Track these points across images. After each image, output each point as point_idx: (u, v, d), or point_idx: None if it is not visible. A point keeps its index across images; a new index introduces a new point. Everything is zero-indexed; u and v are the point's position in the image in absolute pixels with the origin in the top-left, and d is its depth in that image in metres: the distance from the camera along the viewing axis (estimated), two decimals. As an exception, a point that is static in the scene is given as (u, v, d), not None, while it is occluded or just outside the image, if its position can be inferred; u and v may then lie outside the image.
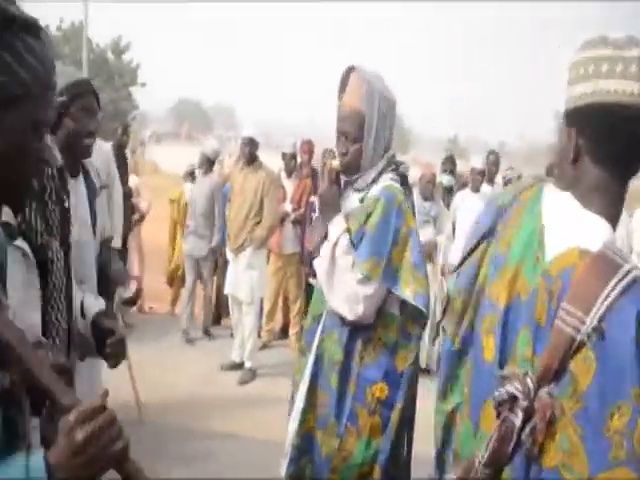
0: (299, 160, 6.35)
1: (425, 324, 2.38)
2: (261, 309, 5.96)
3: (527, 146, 71.23)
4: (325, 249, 2.29)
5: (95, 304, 1.79)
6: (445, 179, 6.25)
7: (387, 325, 2.29)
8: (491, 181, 6.50)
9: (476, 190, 5.95)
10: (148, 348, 5.95)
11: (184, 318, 6.42)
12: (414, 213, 2.40)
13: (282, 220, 6.00)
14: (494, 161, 6.60)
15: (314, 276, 5.78)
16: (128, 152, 7.06)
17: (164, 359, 5.79)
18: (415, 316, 2.30)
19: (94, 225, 2.40)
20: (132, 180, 7.15)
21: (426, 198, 5.68)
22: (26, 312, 1.26)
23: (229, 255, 5.61)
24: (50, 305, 1.34)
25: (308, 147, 6.55)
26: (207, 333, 6.58)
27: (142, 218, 6.83)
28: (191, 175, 7.35)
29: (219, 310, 7.02)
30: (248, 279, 5.39)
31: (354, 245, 2.27)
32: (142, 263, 7.36)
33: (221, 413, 4.77)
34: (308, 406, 2.36)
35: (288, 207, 6.13)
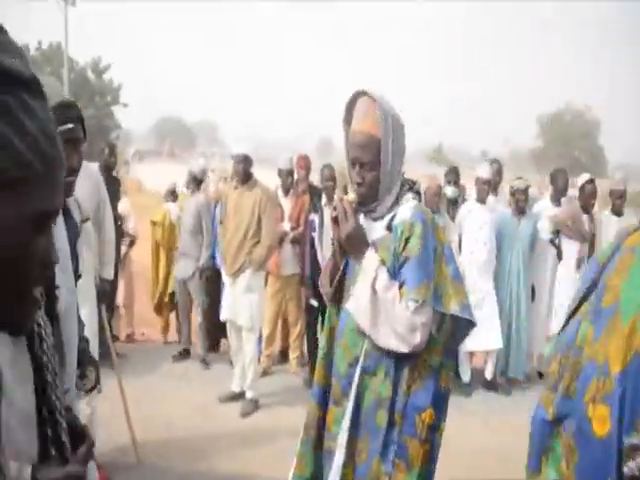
0: (295, 177, 6.08)
1: (467, 333, 2.27)
2: (259, 334, 5.65)
3: (510, 152, 71.61)
4: (362, 287, 2.13)
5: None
6: (449, 191, 6.00)
7: (432, 346, 2.15)
8: (495, 191, 6.27)
9: (482, 201, 5.70)
10: (142, 380, 5.67)
11: (183, 340, 6.34)
12: None
13: (280, 240, 5.72)
14: (497, 170, 6.37)
15: (315, 297, 5.55)
16: (115, 172, 6.75)
17: (159, 391, 5.49)
18: (455, 331, 2.20)
19: (76, 272, 2.04)
20: (123, 203, 6.86)
21: (432, 211, 5.42)
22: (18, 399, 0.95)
23: (225, 279, 5.31)
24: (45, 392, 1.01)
25: (305, 162, 6.27)
26: (203, 362, 6.25)
27: (132, 243, 6.52)
28: (172, 194, 7.07)
29: (216, 335, 6.69)
30: (248, 303, 5.10)
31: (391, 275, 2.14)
32: (131, 290, 7.04)
33: (224, 450, 4.46)
34: (347, 459, 2.19)
35: (286, 226, 5.85)
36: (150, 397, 5.32)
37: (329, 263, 2.38)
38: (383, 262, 2.11)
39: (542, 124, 65.54)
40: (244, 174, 5.10)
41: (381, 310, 2.06)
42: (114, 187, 6.10)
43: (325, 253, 5.60)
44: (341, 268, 2.30)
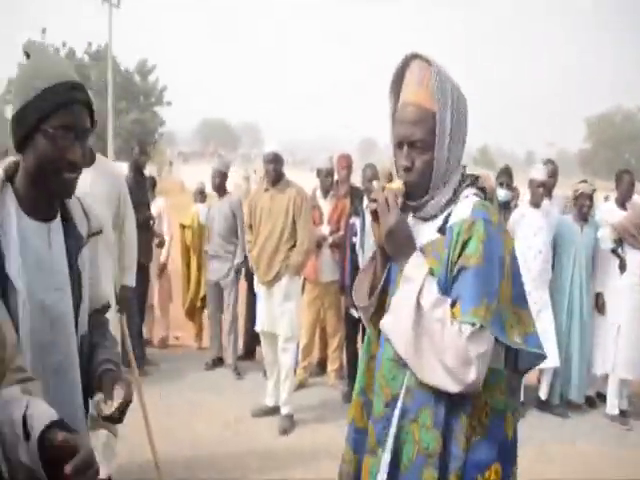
0: (336, 177, 5.70)
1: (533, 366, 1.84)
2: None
3: (557, 155, 69.91)
4: (402, 301, 1.67)
5: (46, 412, 1.20)
6: (502, 193, 5.54)
7: (494, 385, 1.69)
8: (549, 194, 5.78)
9: (537, 205, 5.23)
10: (169, 390, 5.40)
11: (213, 349, 6.05)
12: None
13: (319, 244, 5.36)
14: (553, 171, 5.89)
15: (355, 307, 5.16)
16: (154, 172, 6.53)
17: (187, 403, 5.19)
18: (520, 365, 1.78)
19: (76, 289, 1.66)
20: (158, 203, 6.61)
21: None
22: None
23: (258, 288, 4.97)
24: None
25: (346, 162, 5.90)
26: (235, 371, 5.92)
27: (162, 244, 6.23)
28: (201, 194, 6.82)
29: (252, 342, 6.36)
30: (287, 311, 4.75)
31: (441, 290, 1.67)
32: (166, 292, 6.78)
33: (255, 471, 4.11)
34: None
35: (325, 230, 5.48)
36: (177, 409, 5.03)
37: (367, 269, 1.91)
38: (432, 272, 1.66)
39: (590, 126, 63.91)
40: (275, 174, 4.75)
41: (426, 333, 1.60)
42: (145, 187, 5.85)
43: (365, 259, 5.21)
44: (383, 277, 1.83)
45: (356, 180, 6.02)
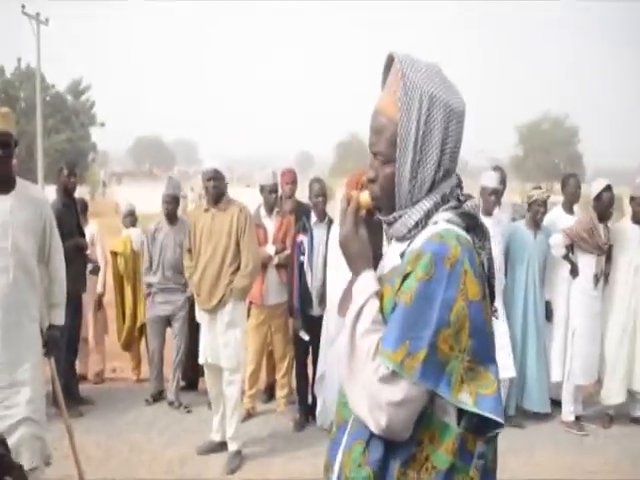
0: (280, 193, 5.42)
1: (496, 436, 1.52)
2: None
3: (487, 162, 71.67)
4: (346, 322, 1.50)
5: None
6: None
7: (439, 440, 1.44)
8: (499, 202, 5.65)
9: (489, 213, 5.08)
10: (107, 431, 4.99)
11: (154, 381, 5.62)
12: (487, 274, 1.54)
13: (264, 265, 5.04)
14: (503, 178, 5.79)
15: (305, 329, 4.87)
16: (87, 194, 6.07)
17: (126, 444, 4.77)
18: (480, 427, 1.46)
19: None
20: (90, 228, 6.16)
21: None
22: None
23: (200, 316, 4.61)
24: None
25: (290, 177, 5.61)
26: (179, 405, 5.51)
27: (96, 270, 5.78)
28: (131, 216, 6.30)
29: (194, 373, 5.98)
30: (232, 340, 4.41)
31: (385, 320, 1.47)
32: (101, 324, 6.31)
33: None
34: None
35: (270, 249, 5.16)
36: (116, 453, 4.62)
37: (353, 280, 1.67)
38: (381, 296, 1.49)
39: (521, 132, 65.77)
40: (216, 192, 4.42)
41: (356, 361, 1.45)
42: (75, 211, 5.41)
43: (315, 279, 4.94)
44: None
45: (298, 196, 5.77)
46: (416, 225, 1.51)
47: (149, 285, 5.56)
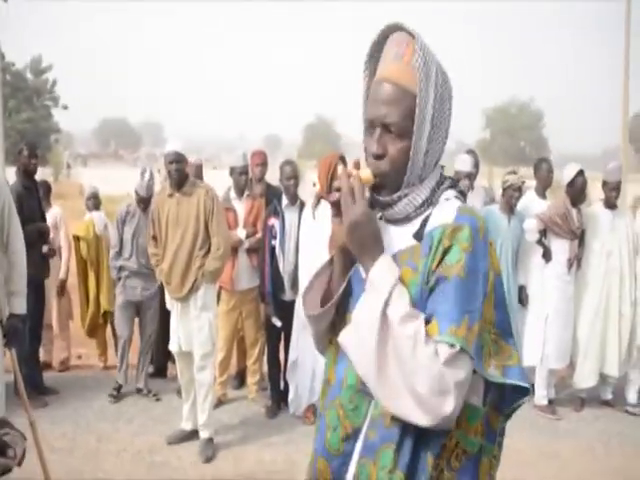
0: (250, 175, 5.27)
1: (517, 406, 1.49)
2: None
3: (455, 145, 72.32)
4: (366, 311, 1.35)
5: None
6: None
7: (467, 424, 1.39)
8: (472, 186, 5.61)
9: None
10: (72, 422, 4.83)
11: (119, 373, 5.37)
12: None
13: (235, 250, 4.90)
14: (476, 162, 5.75)
15: (278, 315, 4.76)
16: (50, 176, 5.81)
17: (93, 435, 4.62)
18: (500, 403, 1.46)
19: None
20: (54, 211, 5.93)
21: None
22: None
23: (171, 304, 4.47)
24: None
25: (261, 158, 5.46)
26: (149, 393, 5.37)
27: (52, 253, 5.47)
28: (95, 199, 6.04)
29: (162, 358, 5.84)
30: (205, 325, 4.29)
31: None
32: (65, 310, 6.10)
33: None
34: None
35: (241, 233, 5.02)
36: (83, 444, 4.48)
37: (320, 274, 1.57)
38: (403, 282, 1.36)
39: (488, 116, 66.33)
40: (178, 175, 4.27)
41: (394, 352, 1.30)
42: (36, 194, 5.20)
43: (287, 263, 4.82)
44: (342, 286, 1.49)
45: (269, 179, 5.63)
46: (423, 204, 1.44)
47: (120, 269, 5.34)
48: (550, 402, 5.20)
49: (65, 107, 39.07)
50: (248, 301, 5.16)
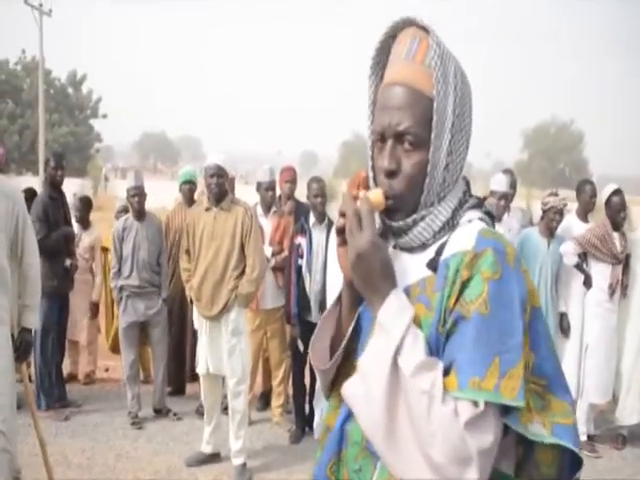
0: (279, 192, 5.16)
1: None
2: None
3: (493, 165, 71.43)
4: (373, 360, 1.12)
5: None
6: None
7: None
8: (509, 207, 5.39)
9: (499, 219, 4.87)
10: (91, 438, 4.73)
11: (132, 401, 5.14)
12: None
13: (260, 268, 4.78)
14: (513, 182, 5.54)
15: (304, 338, 4.60)
16: (89, 189, 5.82)
17: (111, 453, 4.51)
18: (558, 471, 1.18)
19: None
20: (94, 233, 5.93)
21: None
22: None
23: (200, 324, 4.32)
24: None
25: (290, 175, 5.33)
26: (162, 412, 5.24)
27: (75, 268, 5.36)
28: (125, 211, 5.85)
29: (180, 377, 5.73)
30: (237, 349, 4.15)
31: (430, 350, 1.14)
32: (95, 327, 6.04)
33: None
34: None
35: (267, 251, 4.89)
36: (101, 461, 4.38)
37: (328, 317, 1.34)
38: (418, 323, 1.14)
39: (526, 137, 65.59)
40: (219, 190, 4.14)
41: (406, 411, 1.07)
42: (61, 205, 5.17)
43: (314, 283, 4.67)
44: (350, 327, 1.27)
45: (299, 196, 5.51)
46: (443, 228, 1.21)
47: (120, 289, 5.08)
48: (589, 438, 4.91)
49: (105, 116, 39.71)
50: (273, 321, 5.01)
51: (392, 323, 1.11)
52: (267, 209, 5.02)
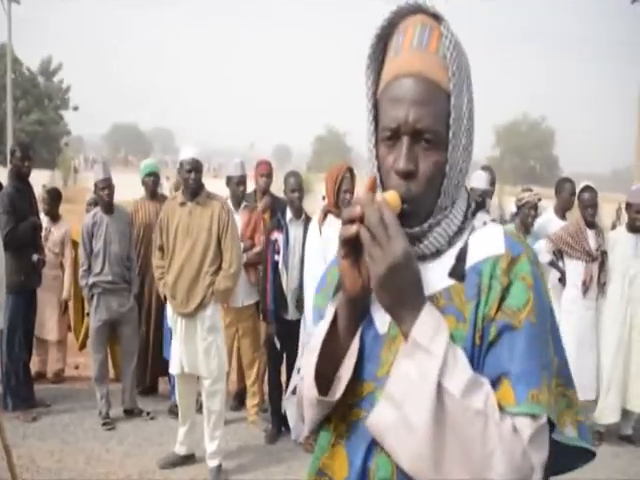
0: (254, 186, 5.06)
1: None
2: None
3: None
4: (411, 383, 0.99)
5: None
6: None
7: None
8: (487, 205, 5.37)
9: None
10: (63, 441, 4.57)
11: (101, 401, 4.98)
12: None
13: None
14: (492, 179, 5.51)
15: (281, 336, 4.51)
16: (59, 180, 5.64)
17: (84, 455, 4.38)
18: (555, 466, 1.10)
19: None
20: (62, 227, 5.75)
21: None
22: None
23: (173, 322, 4.20)
24: None
25: (266, 169, 5.23)
26: (133, 412, 5.10)
27: (43, 263, 5.16)
28: (95, 204, 5.65)
29: (153, 374, 5.60)
30: (213, 347, 4.06)
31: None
32: (65, 324, 5.86)
33: None
34: None
35: (238, 247, 4.79)
36: (71, 465, 4.23)
37: (322, 337, 1.14)
38: (450, 336, 1.02)
39: (498, 134, 66.28)
40: (196, 185, 4.04)
41: (456, 434, 0.95)
42: (29, 197, 5.00)
43: (291, 280, 4.58)
44: (355, 350, 1.12)
45: (273, 190, 5.42)
46: (457, 233, 1.13)
47: (92, 286, 4.90)
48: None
49: (76, 108, 39.11)
50: (245, 319, 4.91)
51: (430, 340, 0.99)
52: (237, 204, 4.90)
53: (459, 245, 1.12)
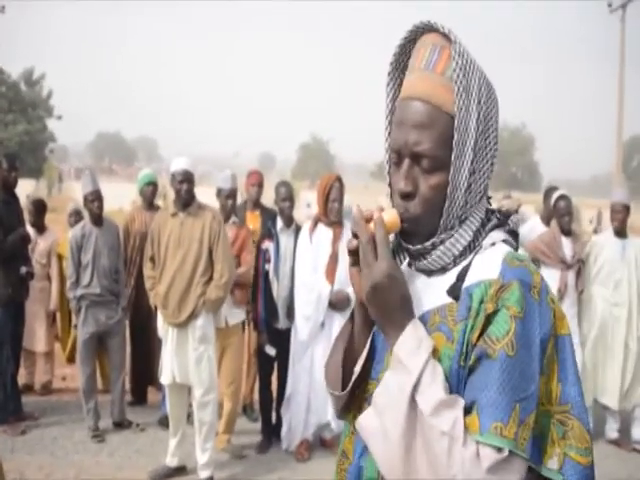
0: (245, 197, 5.07)
1: None
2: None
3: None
4: (389, 396, 1.05)
5: None
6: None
7: None
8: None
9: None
10: (52, 454, 4.53)
11: (88, 415, 4.90)
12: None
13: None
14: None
15: (272, 343, 4.48)
16: (44, 190, 5.59)
17: (74, 469, 4.33)
18: None
19: None
20: (49, 238, 5.69)
21: None
22: None
23: (165, 332, 4.19)
24: None
25: (257, 179, 5.23)
26: (128, 425, 5.06)
27: (31, 276, 5.09)
28: (77, 215, 5.66)
29: (140, 385, 5.57)
30: (205, 357, 4.05)
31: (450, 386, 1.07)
32: (52, 336, 5.81)
33: None
34: None
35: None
36: (59, 476, 4.20)
37: (342, 336, 1.27)
38: (437, 354, 1.07)
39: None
40: (188, 196, 4.05)
41: (424, 451, 1.00)
42: (16, 209, 4.96)
43: (281, 289, 4.58)
44: (366, 349, 1.20)
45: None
46: (464, 251, 1.14)
47: (80, 298, 4.83)
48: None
49: (59, 117, 38.88)
50: (229, 336, 4.58)
51: (409, 357, 1.04)
52: (226, 218, 4.66)
53: (464, 264, 1.14)
